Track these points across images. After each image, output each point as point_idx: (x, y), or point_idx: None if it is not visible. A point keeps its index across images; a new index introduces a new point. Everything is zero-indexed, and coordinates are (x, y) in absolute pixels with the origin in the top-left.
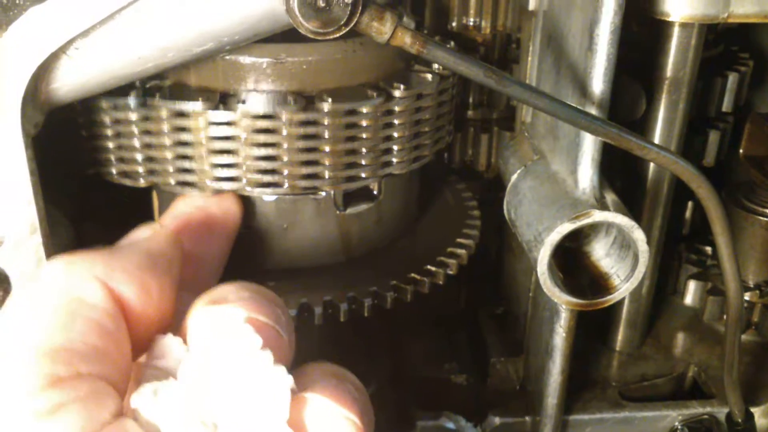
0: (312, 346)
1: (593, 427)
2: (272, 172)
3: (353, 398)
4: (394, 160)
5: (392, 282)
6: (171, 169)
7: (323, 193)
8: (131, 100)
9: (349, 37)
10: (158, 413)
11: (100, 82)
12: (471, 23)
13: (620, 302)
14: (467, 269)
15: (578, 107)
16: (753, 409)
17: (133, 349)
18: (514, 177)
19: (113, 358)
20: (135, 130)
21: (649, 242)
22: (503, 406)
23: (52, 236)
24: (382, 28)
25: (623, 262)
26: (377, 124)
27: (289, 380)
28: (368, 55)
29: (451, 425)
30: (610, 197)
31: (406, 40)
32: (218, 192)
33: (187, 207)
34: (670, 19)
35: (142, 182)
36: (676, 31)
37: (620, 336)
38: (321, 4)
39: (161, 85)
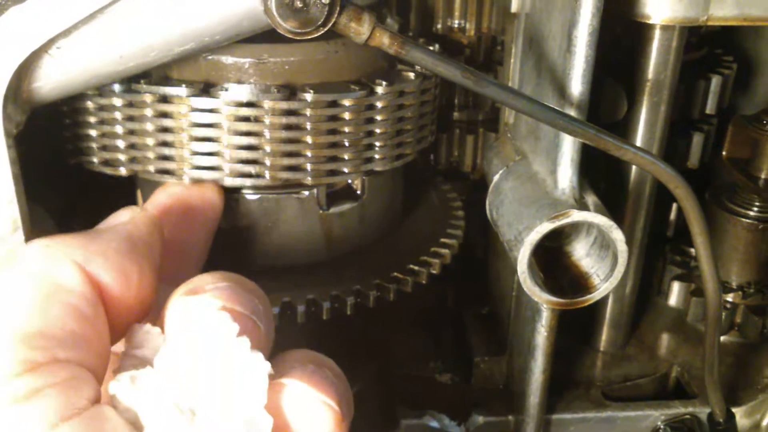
0: (295, 346)
1: (576, 426)
2: (253, 162)
3: (331, 383)
4: (377, 156)
5: (375, 281)
6: (152, 156)
7: (306, 192)
8: (116, 86)
9: (332, 38)
10: (136, 400)
11: (82, 81)
12: (456, 25)
13: (604, 302)
14: (453, 269)
15: (556, 108)
16: (735, 410)
17: (112, 336)
18: (496, 177)
19: (91, 343)
20: (118, 116)
21: (631, 243)
22: (487, 405)
23: (35, 234)
24: (360, 29)
25: (603, 262)
26: (359, 117)
27: (266, 366)
28: (350, 55)
29: (435, 424)
30: (590, 197)
31: (384, 40)
32: (198, 181)
33: (166, 196)
34: (650, 21)
35: (123, 171)
36: (657, 34)
37: (604, 336)
38: (298, 4)
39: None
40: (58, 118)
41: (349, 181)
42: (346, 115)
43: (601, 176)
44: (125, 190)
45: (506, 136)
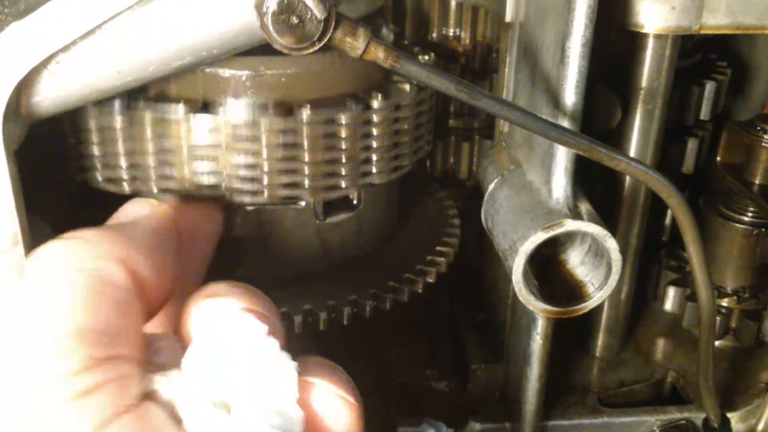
0: (293, 354)
1: None
2: (252, 180)
3: (347, 381)
4: (374, 169)
5: (371, 291)
6: (153, 175)
7: (303, 203)
8: (116, 105)
9: (328, 50)
10: (173, 396)
11: (81, 95)
12: (451, 34)
13: (599, 308)
14: (449, 277)
15: (550, 120)
16: (731, 414)
17: None
18: (491, 186)
19: (136, 338)
20: (119, 135)
21: (626, 249)
22: (483, 412)
23: (35, 247)
24: (355, 44)
25: (597, 270)
26: (356, 133)
27: (294, 364)
28: (346, 67)
29: (432, 431)
30: (584, 206)
31: (378, 54)
32: (198, 199)
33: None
34: (644, 30)
35: (126, 188)
36: (650, 43)
37: (600, 342)
38: (294, 20)
39: (144, 96)
40: (63, 138)
41: None
42: (343, 132)
43: (597, 182)
44: (125, 199)
45: (501, 145)
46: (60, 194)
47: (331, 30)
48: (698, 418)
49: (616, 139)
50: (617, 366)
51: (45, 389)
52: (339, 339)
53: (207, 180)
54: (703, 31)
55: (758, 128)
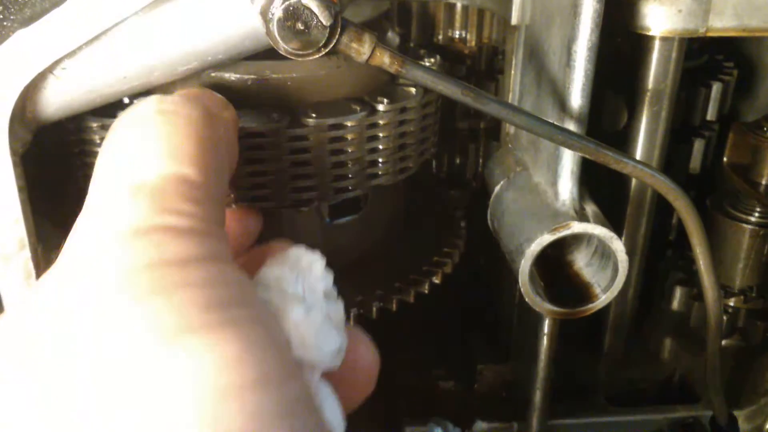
0: None
1: (580, 431)
2: (259, 187)
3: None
4: (380, 171)
5: (378, 292)
6: None
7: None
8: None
9: (333, 54)
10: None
11: (86, 100)
12: (457, 36)
13: (606, 308)
14: (456, 277)
15: (556, 123)
16: (737, 413)
17: None
18: (497, 188)
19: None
20: None
21: (633, 250)
22: (490, 411)
23: (41, 249)
24: (361, 49)
25: (604, 271)
26: (362, 137)
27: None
28: (352, 70)
29: (439, 430)
30: (590, 208)
31: (384, 60)
32: None
33: None
34: (650, 33)
35: None
36: (656, 45)
37: (606, 341)
38: (300, 26)
39: None
40: (67, 147)
41: None
42: (349, 136)
43: (604, 183)
44: None
45: (507, 147)
46: (66, 198)
47: (337, 36)
48: (705, 416)
49: (623, 141)
50: (624, 365)
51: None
52: None
53: None
54: (709, 34)
55: (765, 129)
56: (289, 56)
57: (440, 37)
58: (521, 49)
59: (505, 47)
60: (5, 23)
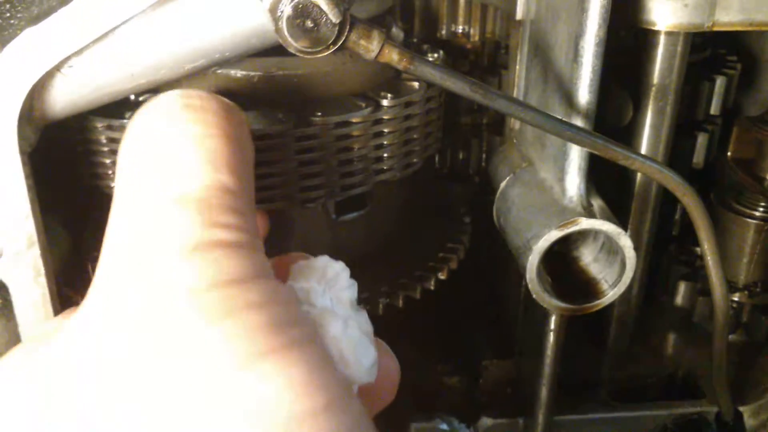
0: None
1: (584, 427)
2: (267, 188)
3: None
4: (385, 167)
5: (383, 288)
6: None
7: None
8: (126, 122)
9: (339, 51)
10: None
11: (93, 98)
12: (460, 31)
13: (610, 303)
14: (461, 272)
15: (564, 119)
16: (742, 409)
17: None
18: (503, 184)
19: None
20: None
21: (638, 245)
22: (496, 407)
23: (49, 246)
24: (370, 46)
25: (611, 267)
26: (367, 133)
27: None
28: (357, 66)
29: (444, 426)
30: (597, 204)
31: (393, 56)
32: None
33: None
34: (656, 28)
35: None
36: (662, 40)
37: (611, 337)
38: (309, 24)
39: None
40: (72, 146)
41: None
42: (354, 132)
43: (610, 178)
44: None
45: (512, 142)
46: (74, 195)
47: (346, 33)
48: (710, 412)
49: (628, 135)
50: (628, 360)
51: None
52: None
53: None
54: (715, 28)
55: None
56: (298, 54)
57: (443, 31)
58: (526, 44)
59: (508, 42)
60: (12, 21)
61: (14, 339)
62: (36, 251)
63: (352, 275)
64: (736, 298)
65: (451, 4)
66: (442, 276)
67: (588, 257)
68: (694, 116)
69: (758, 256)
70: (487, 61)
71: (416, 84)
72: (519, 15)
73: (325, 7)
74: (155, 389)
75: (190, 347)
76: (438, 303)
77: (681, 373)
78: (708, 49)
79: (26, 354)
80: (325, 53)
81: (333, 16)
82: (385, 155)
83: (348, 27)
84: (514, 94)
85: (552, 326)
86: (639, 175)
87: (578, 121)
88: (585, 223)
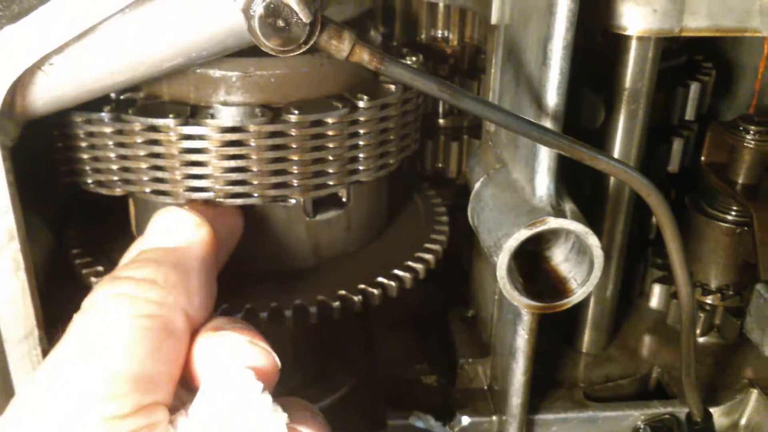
0: (285, 350)
1: (558, 426)
2: (242, 182)
3: (326, 427)
4: (361, 167)
5: (360, 286)
6: (145, 178)
7: (293, 201)
8: (105, 116)
9: (316, 51)
10: None
11: (74, 95)
12: (439, 35)
13: (585, 305)
14: (440, 272)
15: (531, 120)
16: (714, 409)
17: None
18: (477, 185)
19: (175, 382)
20: (109, 142)
21: (611, 246)
22: (471, 406)
23: (30, 242)
24: (341, 46)
25: (580, 267)
26: (343, 133)
27: (284, 417)
28: (334, 67)
29: (420, 424)
30: (567, 204)
31: (364, 56)
32: (191, 200)
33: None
34: (627, 33)
35: (118, 191)
36: (633, 45)
37: (586, 338)
38: (281, 23)
39: (134, 98)
40: (50, 142)
41: None
42: (330, 132)
43: (586, 180)
44: (119, 199)
45: (488, 144)
46: (54, 191)
47: (317, 33)
48: (682, 412)
49: (601, 138)
50: (603, 361)
51: (88, 421)
52: (332, 333)
53: (198, 182)
54: (684, 34)
55: (741, 128)
56: (270, 53)
57: (423, 36)
58: (500, 48)
59: (486, 46)
60: None
61: None
62: (16, 245)
63: (330, 273)
64: (709, 301)
65: (430, 9)
66: (419, 276)
67: (559, 257)
68: (669, 121)
69: (730, 259)
70: (466, 66)
71: (393, 86)
72: (494, 20)
73: (296, 7)
74: None
75: None
76: (416, 302)
77: (654, 375)
78: (684, 55)
79: None
80: (297, 52)
81: (304, 16)
82: (361, 156)
83: (319, 27)
84: (490, 98)
85: (524, 325)
86: (612, 178)
87: (547, 123)
88: (553, 222)
